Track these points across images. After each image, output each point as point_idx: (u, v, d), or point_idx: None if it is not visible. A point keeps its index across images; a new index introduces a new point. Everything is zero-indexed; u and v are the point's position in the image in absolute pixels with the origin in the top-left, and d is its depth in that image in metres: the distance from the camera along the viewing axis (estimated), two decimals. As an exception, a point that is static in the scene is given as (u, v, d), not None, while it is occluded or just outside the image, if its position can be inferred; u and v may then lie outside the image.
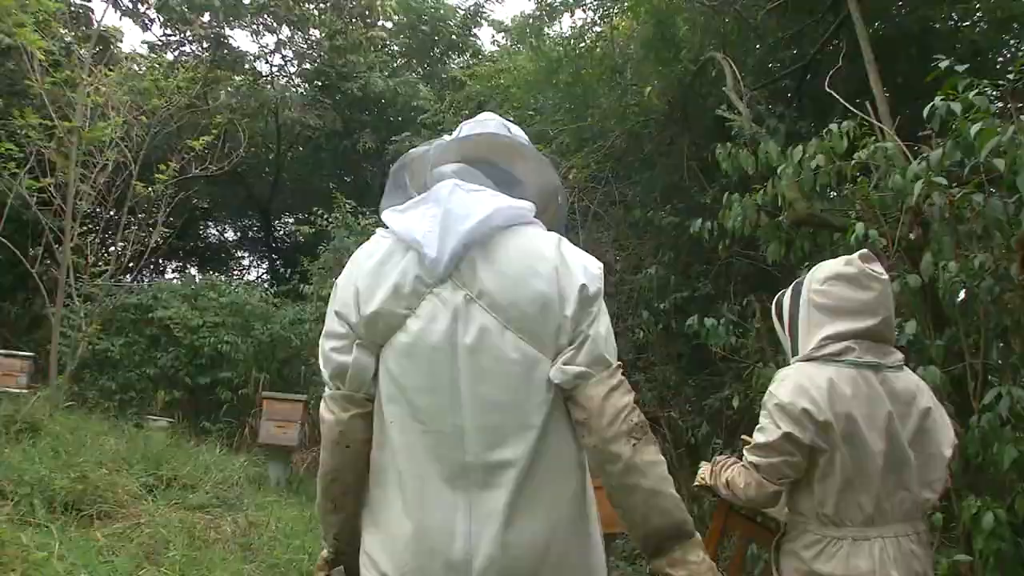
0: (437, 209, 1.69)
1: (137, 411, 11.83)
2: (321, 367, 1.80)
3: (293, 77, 15.20)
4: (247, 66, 14.29)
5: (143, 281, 13.36)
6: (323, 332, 1.78)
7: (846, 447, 2.23)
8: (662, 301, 6.37)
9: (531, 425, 1.64)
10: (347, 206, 10.45)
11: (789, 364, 2.43)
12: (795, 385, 2.27)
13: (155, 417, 11.02)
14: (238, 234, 20.06)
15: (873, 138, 4.32)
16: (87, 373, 12.32)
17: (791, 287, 2.55)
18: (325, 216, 10.66)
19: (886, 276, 2.43)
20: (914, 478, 2.28)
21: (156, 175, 7.68)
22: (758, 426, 2.34)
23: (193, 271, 18.04)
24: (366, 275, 1.72)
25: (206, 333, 11.87)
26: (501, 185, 1.80)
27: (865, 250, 2.49)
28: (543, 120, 8.74)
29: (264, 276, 19.06)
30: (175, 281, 13.02)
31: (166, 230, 8.45)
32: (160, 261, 18.84)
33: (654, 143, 7.07)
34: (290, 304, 12.30)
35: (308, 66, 14.15)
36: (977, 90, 3.59)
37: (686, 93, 6.38)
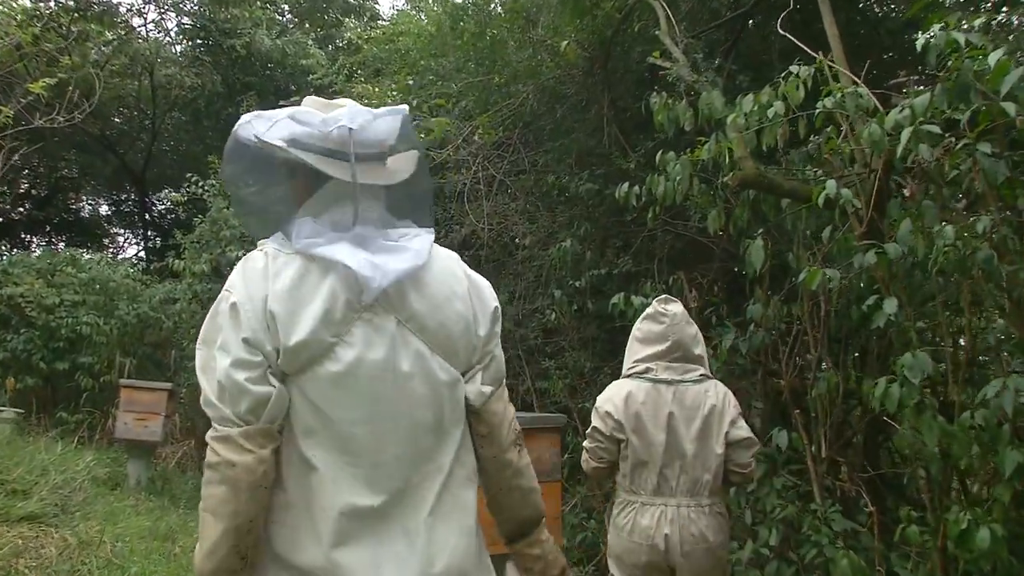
0: (371, 252, 1.59)
1: (-15, 400, 10.42)
2: (223, 400, 1.54)
3: (170, 32, 13.77)
4: (119, 20, 12.78)
5: (-2, 256, 11.76)
6: (227, 362, 1.53)
7: (635, 437, 3.04)
8: (576, 279, 5.59)
9: (450, 443, 1.67)
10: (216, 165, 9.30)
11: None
12: (607, 395, 3.17)
13: (1, 408, 9.62)
14: (112, 208, 18.36)
15: (837, 85, 3.64)
16: (-78, 358, 10.76)
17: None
18: (201, 184, 9.45)
19: (678, 311, 3.18)
20: (693, 463, 3.01)
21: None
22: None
23: (62, 247, 16.33)
24: (282, 298, 1.54)
25: (64, 313, 10.49)
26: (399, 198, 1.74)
27: (665, 295, 3.31)
28: (444, 85, 7.84)
29: (141, 254, 17.48)
30: (34, 255, 11.40)
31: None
32: (23, 235, 17.08)
33: (570, 103, 6.27)
34: (159, 282, 11.02)
35: (187, 20, 12.77)
36: (981, 18, 2.92)
37: (608, 47, 5.60)
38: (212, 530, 1.52)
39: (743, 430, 3.06)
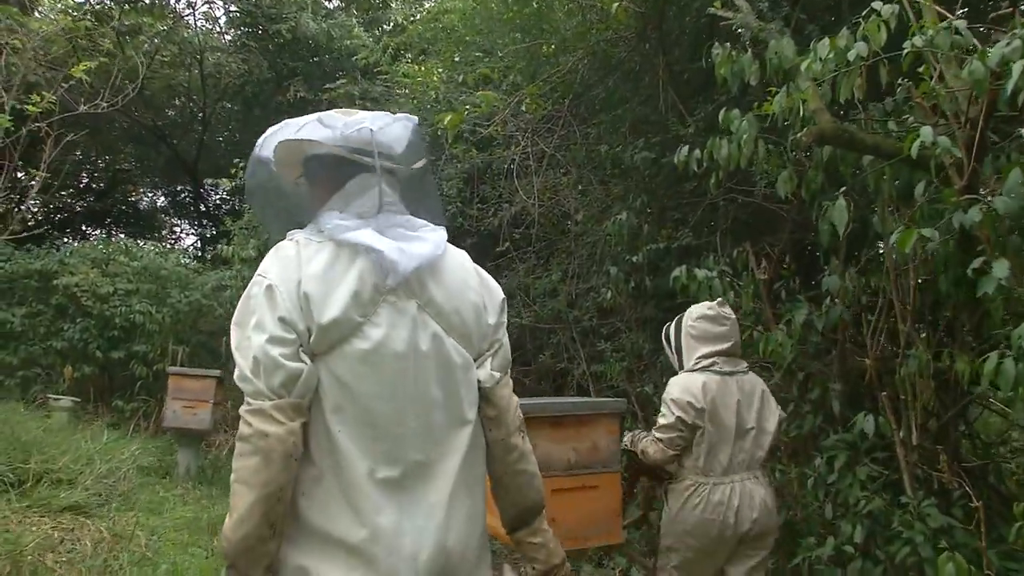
0: (395, 240, 1.72)
1: (43, 389, 10.43)
2: (254, 374, 1.63)
3: (219, 20, 13.64)
4: (168, 11, 12.70)
5: (58, 248, 11.75)
6: (264, 337, 1.62)
7: (711, 424, 3.30)
8: (633, 254, 5.19)
9: (467, 421, 1.79)
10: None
11: (678, 374, 3.49)
12: (683, 386, 3.36)
13: (57, 396, 9.60)
14: (168, 199, 18.44)
15: (928, 21, 3.18)
16: (-16, 347, 10.82)
17: (675, 321, 3.61)
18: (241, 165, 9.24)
19: (733, 315, 3.50)
20: (753, 442, 3.35)
21: (27, 106, 6.21)
22: (660, 413, 3.39)
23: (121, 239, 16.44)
24: (315, 280, 1.66)
25: (117, 302, 10.43)
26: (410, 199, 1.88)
27: (721, 299, 3.63)
28: (491, 60, 7.47)
29: (197, 244, 17.52)
30: (88, 246, 11.38)
31: (45, 177, 6.84)
32: (84, 228, 17.24)
33: (622, 71, 5.85)
34: (212, 270, 10.89)
35: (234, 8, 12.59)
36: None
37: (662, 6, 5.17)
38: (243, 499, 1.59)
39: (781, 410, 3.54)
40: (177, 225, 19.26)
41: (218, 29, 13.54)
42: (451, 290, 1.78)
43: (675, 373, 3.54)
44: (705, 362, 3.37)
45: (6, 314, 10.70)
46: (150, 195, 18.89)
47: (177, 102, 14.95)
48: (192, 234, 18.64)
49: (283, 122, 1.85)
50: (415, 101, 8.27)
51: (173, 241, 18.71)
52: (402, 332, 1.69)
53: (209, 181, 9.71)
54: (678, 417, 3.28)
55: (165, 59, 11.92)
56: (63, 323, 10.77)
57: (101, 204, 16.69)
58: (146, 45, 11.22)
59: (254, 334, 1.64)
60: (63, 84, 6.80)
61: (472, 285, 1.84)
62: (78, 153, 17.25)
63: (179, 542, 4.91)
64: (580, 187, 5.98)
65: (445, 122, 5.52)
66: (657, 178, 5.49)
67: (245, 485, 1.59)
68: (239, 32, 13.15)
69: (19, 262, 11.15)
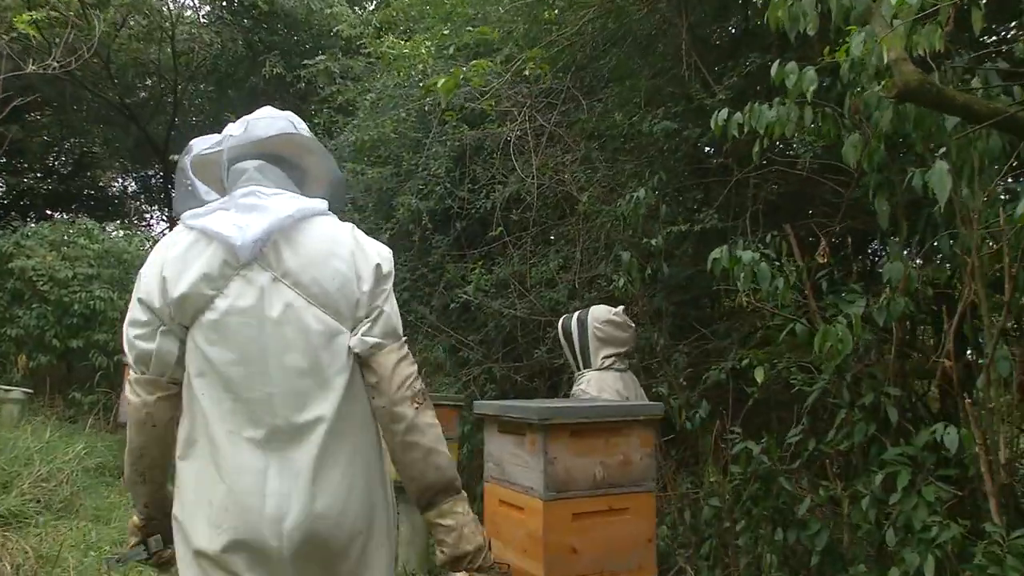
0: (240, 214, 1.82)
1: (-2, 379, 9.62)
2: (126, 351, 1.86)
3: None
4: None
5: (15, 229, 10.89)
6: (127, 320, 1.85)
7: None
8: (650, 237, 4.53)
9: (333, 387, 1.82)
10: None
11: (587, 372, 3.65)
12: (600, 385, 3.54)
13: (7, 388, 8.79)
14: (138, 184, 17.54)
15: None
16: (-68, 334, 9.98)
17: (575, 320, 3.79)
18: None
19: (633, 324, 3.83)
20: None
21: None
22: None
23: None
24: (171, 263, 1.82)
25: (77, 287, 9.66)
26: (293, 178, 2.00)
27: (622, 307, 3.86)
28: (489, 29, 6.79)
29: (167, 230, 16.64)
30: (47, 227, 10.54)
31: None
32: (48, 212, 16.30)
33: (634, 39, 5.18)
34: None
35: (208, -20, 11.82)
36: None
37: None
38: (125, 452, 1.92)
39: None
40: (147, 211, 18.37)
41: (192, 2, 12.71)
42: (310, 259, 1.84)
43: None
44: (608, 361, 3.58)
45: (-45, 298, 9.89)
46: (119, 180, 18.01)
47: (148, 82, 14.10)
48: (163, 220, 17.78)
49: (191, 142, 2.05)
50: (400, 75, 7.56)
51: (144, 227, 17.83)
52: (246, 301, 1.79)
53: (174, 158, 8.96)
54: None
55: (132, 31, 11.08)
56: (18, 309, 9.97)
57: (66, 187, 15.78)
58: (113, 13, 10.38)
59: (128, 317, 1.84)
60: (3, 36, 5.99)
61: (340, 254, 1.88)
62: (45, 135, 16.42)
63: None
64: (586, 165, 5.31)
65: (439, 85, 4.82)
66: (677, 153, 4.84)
67: (128, 440, 1.87)
68: (213, 4, 12.33)
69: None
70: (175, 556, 1.91)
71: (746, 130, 3.50)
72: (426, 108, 7.45)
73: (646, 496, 2.85)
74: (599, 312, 3.68)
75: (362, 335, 1.87)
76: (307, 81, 10.22)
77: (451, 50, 7.02)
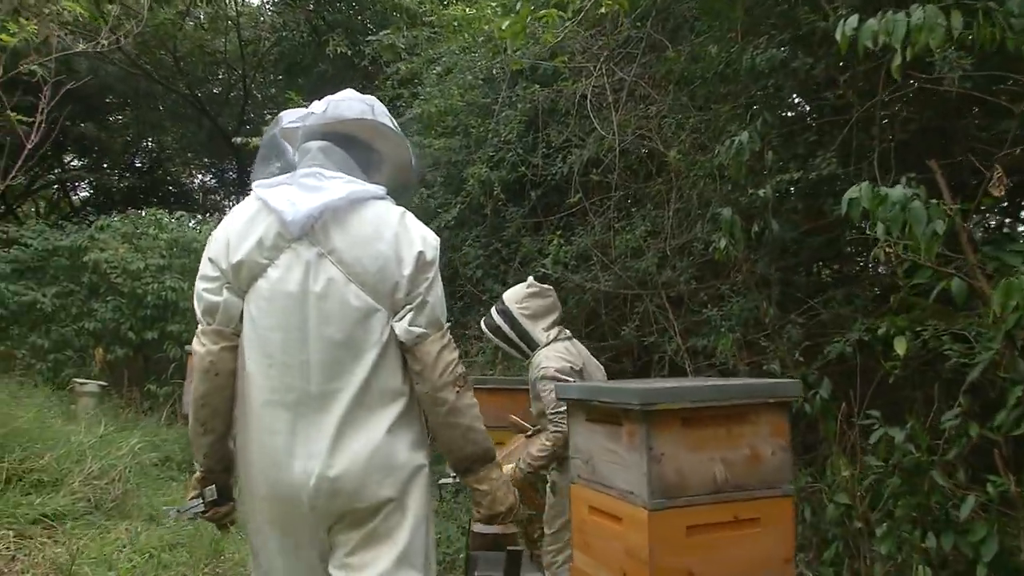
0: (298, 191, 1.93)
1: (76, 373, 9.47)
2: (195, 306, 1.98)
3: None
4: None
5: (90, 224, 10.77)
6: (198, 275, 1.99)
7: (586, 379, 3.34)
8: (756, 188, 3.82)
9: (364, 361, 1.90)
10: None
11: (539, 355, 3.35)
12: (554, 357, 3.29)
13: (83, 381, 8.61)
14: (215, 178, 17.51)
15: None
16: (15, 329, 9.91)
17: (495, 314, 3.53)
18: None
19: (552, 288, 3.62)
20: None
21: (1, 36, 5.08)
22: (545, 394, 3.21)
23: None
24: (236, 230, 1.96)
25: (149, 278, 9.40)
26: (361, 160, 2.06)
27: (531, 277, 3.63)
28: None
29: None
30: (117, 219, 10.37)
31: (41, 124, 5.73)
32: (128, 209, 16.40)
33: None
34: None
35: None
36: None
37: None
38: (188, 403, 2.23)
39: None
40: (226, 204, 18.34)
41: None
42: (356, 240, 1.92)
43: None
44: (552, 332, 3.40)
45: (36, 294, 9.77)
46: (198, 175, 18.03)
47: (219, 74, 13.91)
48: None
49: (280, 114, 2.19)
50: (466, 38, 6.97)
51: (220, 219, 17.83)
52: (294, 274, 1.90)
53: (239, 141, 8.60)
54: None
55: (197, 20, 10.81)
56: (95, 303, 9.82)
57: (144, 183, 15.80)
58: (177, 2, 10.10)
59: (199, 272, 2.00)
60: (51, 19, 5.62)
61: (385, 237, 1.94)
62: (127, 135, 16.52)
63: (168, 564, 3.74)
64: (675, 115, 4.60)
65: (503, 28, 4.20)
66: (783, 90, 4.10)
67: (192, 389, 2.01)
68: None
69: (49, 239, 10.23)
70: (230, 512, 2.10)
71: (881, 41, 2.77)
72: (494, 72, 6.85)
73: (782, 502, 2.18)
74: (513, 294, 3.50)
75: (408, 325, 1.93)
76: (371, 59, 9.75)
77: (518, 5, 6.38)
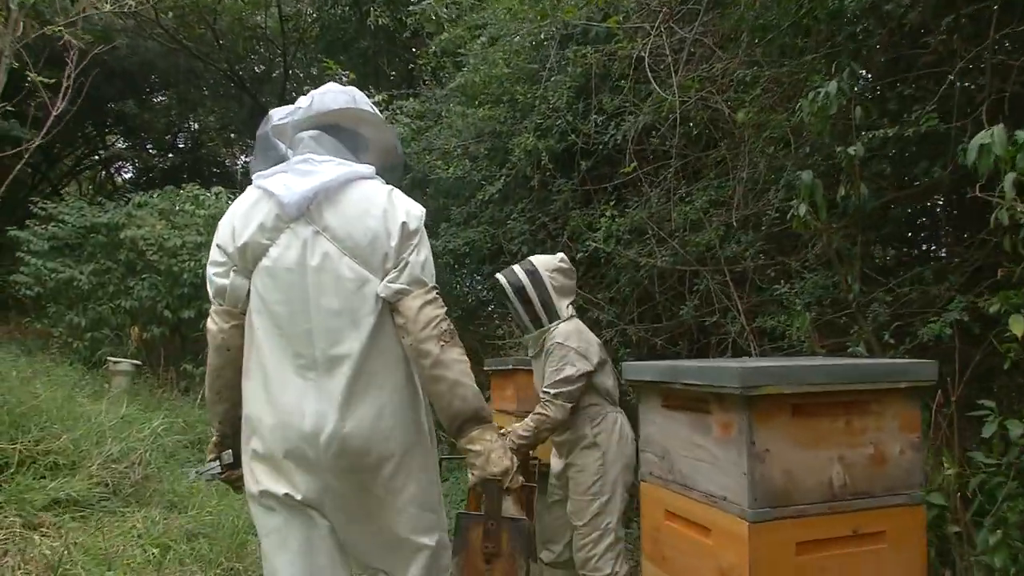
0: (292, 176, 2.07)
1: (113, 352, 9.29)
2: (208, 287, 2.17)
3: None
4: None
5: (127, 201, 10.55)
6: (209, 261, 2.16)
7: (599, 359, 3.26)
8: (844, 146, 3.33)
9: (362, 327, 2.04)
10: (343, 79, 7.49)
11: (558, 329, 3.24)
12: (578, 334, 3.25)
13: (117, 360, 8.39)
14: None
15: None
16: (52, 307, 9.76)
17: (523, 274, 3.35)
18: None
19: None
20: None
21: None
22: (559, 364, 3.12)
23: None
24: (239, 216, 2.12)
25: (186, 255, 9.15)
26: (349, 145, 2.20)
27: (561, 253, 3.56)
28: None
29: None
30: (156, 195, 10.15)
31: (67, 89, 5.44)
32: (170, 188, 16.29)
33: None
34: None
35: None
36: None
37: None
38: (205, 374, 2.26)
39: None
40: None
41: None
42: (347, 218, 2.07)
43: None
44: (571, 311, 3.33)
45: (73, 272, 9.59)
46: (240, 155, 17.83)
47: (259, 50, 13.62)
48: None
49: (270, 112, 2.34)
50: (513, 1, 6.52)
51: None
52: (293, 251, 2.04)
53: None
54: (588, 371, 3.12)
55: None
56: (132, 281, 9.61)
57: (185, 161, 15.63)
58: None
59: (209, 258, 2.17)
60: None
61: (374, 213, 2.08)
62: (171, 115, 16.39)
63: (184, 558, 3.39)
64: (744, 70, 4.10)
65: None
66: (874, 37, 3.60)
67: (208, 363, 2.20)
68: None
69: (86, 216, 10.04)
70: (243, 476, 2.17)
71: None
72: (542, 36, 6.39)
73: (912, 512, 1.74)
74: (546, 261, 3.39)
75: (387, 282, 2.05)
76: (413, 32, 9.35)
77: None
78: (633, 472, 3.10)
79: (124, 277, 9.72)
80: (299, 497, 2.01)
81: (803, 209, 3.43)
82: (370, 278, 2.05)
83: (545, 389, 3.12)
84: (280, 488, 2.02)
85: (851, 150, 3.21)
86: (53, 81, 5.56)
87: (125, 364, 8.17)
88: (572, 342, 3.13)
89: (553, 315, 3.26)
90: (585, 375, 3.11)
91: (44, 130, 5.48)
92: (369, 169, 2.17)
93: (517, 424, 3.16)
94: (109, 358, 8.40)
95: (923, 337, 3.41)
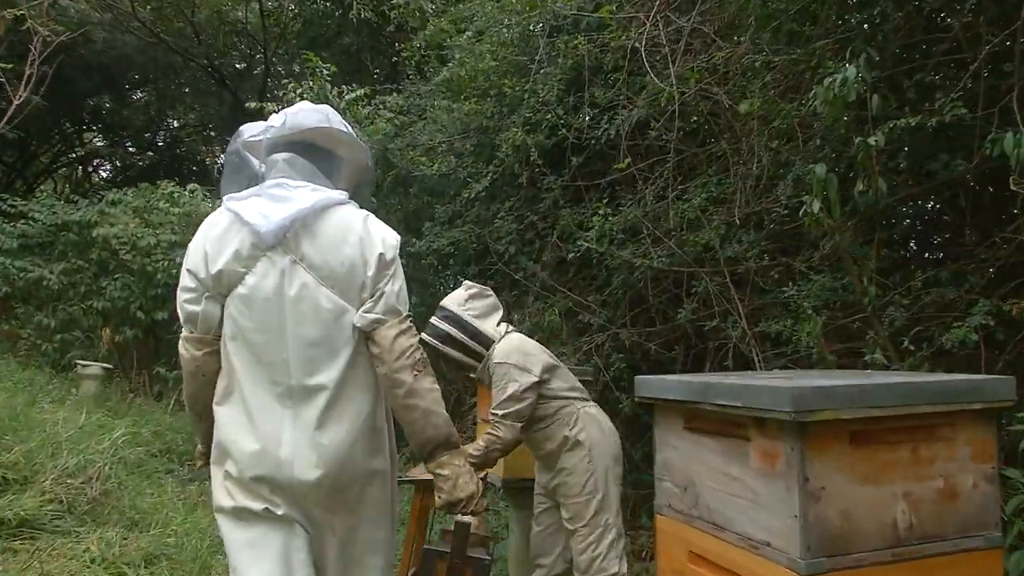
0: (268, 203, 2.02)
1: (84, 354, 8.88)
2: (179, 313, 2.09)
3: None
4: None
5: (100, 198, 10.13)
6: (179, 287, 2.08)
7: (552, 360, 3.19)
8: (861, 136, 3.05)
9: (340, 357, 2.03)
10: (325, 73, 7.13)
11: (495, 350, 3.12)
12: (514, 348, 3.07)
13: (86, 363, 8.00)
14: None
15: None
16: (20, 308, 9.33)
17: (440, 323, 3.20)
18: (295, 90, 7.32)
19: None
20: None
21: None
22: (501, 386, 3.00)
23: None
24: (212, 241, 2.03)
25: (160, 255, 8.75)
26: (322, 166, 2.16)
27: (467, 282, 3.40)
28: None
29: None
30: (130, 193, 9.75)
31: (31, 76, 5.10)
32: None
33: None
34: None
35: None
36: None
37: None
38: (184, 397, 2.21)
39: None
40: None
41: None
42: (324, 247, 2.02)
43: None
44: (502, 327, 3.22)
45: (43, 271, 9.16)
46: (221, 154, 17.41)
47: (240, 45, 13.24)
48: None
49: (240, 128, 2.34)
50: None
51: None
52: (270, 280, 2.00)
53: (253, 106, 7.95)
54: (533, 382, 3.00)
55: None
56: (104, 281, 9.20)
57: (164, 159, 15.21)
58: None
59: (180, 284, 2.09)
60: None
61: (350, 241, 2.04)
62: (150, 111, 15.96)
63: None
64: (752, 58, 3.81)
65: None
66: (890, 22, 3.32)
67: (184, 386, 2.16)
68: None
69: (58, 213, 9.62)
70: None
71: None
72: (531, 27, 6.10)
73: (988, 557, 1.45)
74: (455, 297, 3.27)
75: (363, 312, 2.04)
76: (397, 26, 9.04)
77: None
78: (621, 463, 3.10)
79: (96, 277, 9.30)
80: (280, 512, 2.00)
81: (816, 205, 3.15)
82: (348, 308, 2.04)
83: (492, 411, 3.01)
84: (257, 505, 2.00)
85: (871, 140, 2.94)
86: (29, 74, 5.25)
87: (94, 368, 7.78)
88: (512, 359, 3.03)
89: (486, 341, 3.16)
90: (530, 388, 3.00)
91: (6, 118, 5.11)
92: (342, 195, 2.14)
93: (468, 445, 3.00)
94: (77, 361, 8.00)
95: (945, 343, 3.15)
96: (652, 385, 1.81)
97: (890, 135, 3.04)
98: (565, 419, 3.07)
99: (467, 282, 3.38)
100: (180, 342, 2.09)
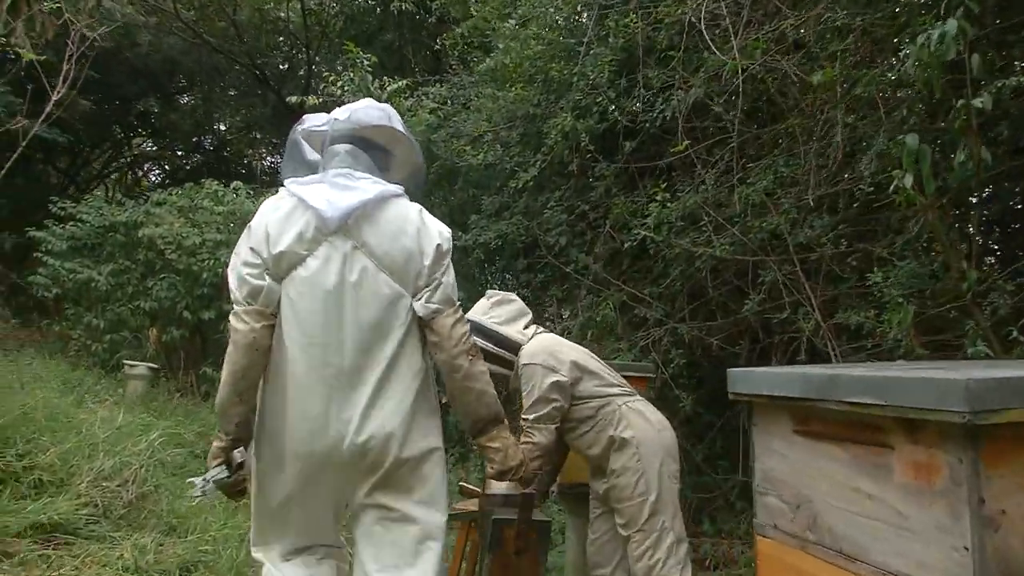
0: (332, 190, 2.12)
1: (133, 354, 8.82)
2: (234, 288, 2.14)
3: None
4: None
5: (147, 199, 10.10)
6: (240, 261, 2.13)
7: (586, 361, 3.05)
8: (955, 97, 2.70)
9: (392, 340, 2.12)
10: (365, 63, 6.92)
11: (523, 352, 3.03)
12: (539, 350, 2.98)
13: (133, 363, 7.91)
14: (280, 154, 16.87)
15: None
16: (70, 309, 9.33)
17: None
18: (335, 82, 7.12)
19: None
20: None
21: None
22: (528, 390, 2.91)
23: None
24: (275, 223, 2.11)
25: (206, 254, 8.63)
26: (379, 162, 2.28)
27: (490, 290, 3.38)
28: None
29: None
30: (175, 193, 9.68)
31: (68, 71, 4.96)
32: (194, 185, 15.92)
33: None
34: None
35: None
36: None
37: None
38: (223, 375, 2.12)
39: None
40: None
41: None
42: (384, 235, 2.13)
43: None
44: (530, 330, 3.12)
45: (92, 272, 9.12)
46: (268, 156, 17.44)
47: (282, 46, 13.15)
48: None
49: (304, 116, 2.39)
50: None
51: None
52: (333, 265, 2.08)
53: (294, 100, 7.81)
54: (560, 381, 2.86)
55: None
56: (151, 281, 9.13)
57: (211, 161, 15.23)
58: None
59: (235, 259, 2.15)
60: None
61: (408, 232, 2.16)
62: (198, 115, 16.04)
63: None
64: (831, 21, 3.45)
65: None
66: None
67: (226, 365, 2.12)
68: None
69: (105, 215, 9.59)
70: (247, 479, 2.17)
71: None
72: (579, 8, 5.81)
73: None
74: (479, 308, 3.18)
75: (424, 302, 2.14)
76: (439, 18, 8.81)
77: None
78: (676, 459, 2.93)
79: (143, 277, 9.22)
80: (312, 491, 2.12)
81: (909, 180, 2.79)
82: (403, 294, 2.13)
83: (523, 416, 2.89)
84: (292, 481, 2.10)
85: (977, 102, 2.57)
86: (67, 69, 5.13)
87: (141, 368, 7.68)
88: (538, 358, 2.94)
89: (512, 346, 3.07)
90: (557, 387, 2.87)
91: (44, 115, 4.99)
92: (400, 188, 2.23)
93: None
94: (125, 361, 7.91)
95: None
96: (752, 379, 1.49)
97: (996, 97, 2.67)
98: (607, 418, 2.92)
99: (490, 291, 3.35)
100: (233, 317, 2.12)
